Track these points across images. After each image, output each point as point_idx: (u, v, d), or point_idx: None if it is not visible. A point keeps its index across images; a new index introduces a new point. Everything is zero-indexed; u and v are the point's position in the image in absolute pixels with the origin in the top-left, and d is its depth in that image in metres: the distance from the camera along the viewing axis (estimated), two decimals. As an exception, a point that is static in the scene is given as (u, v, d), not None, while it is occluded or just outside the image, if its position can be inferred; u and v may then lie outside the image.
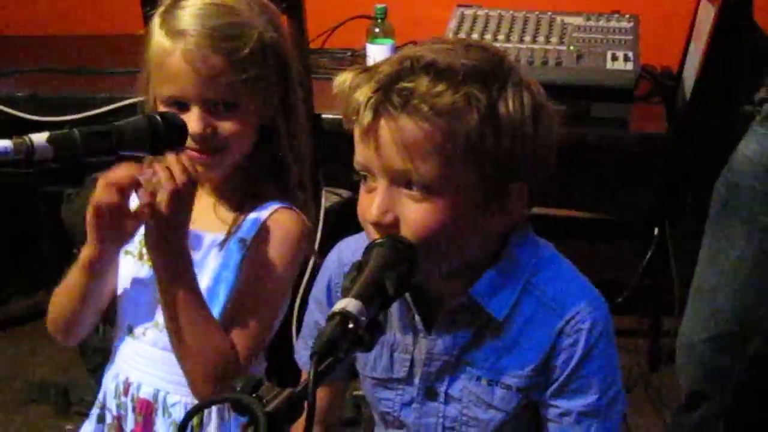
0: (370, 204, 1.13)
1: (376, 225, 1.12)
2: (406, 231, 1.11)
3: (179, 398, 1.41)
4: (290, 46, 1.43)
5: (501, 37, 2.44)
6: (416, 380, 1.28)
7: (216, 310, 1.37)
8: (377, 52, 2.50)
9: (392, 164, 1.10)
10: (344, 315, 0.92)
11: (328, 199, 2.50)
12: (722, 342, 1.91)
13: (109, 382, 1.47)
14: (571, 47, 2.39)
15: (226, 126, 1.35)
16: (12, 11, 3.23)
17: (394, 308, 1.26)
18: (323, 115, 2.35)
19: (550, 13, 2.54)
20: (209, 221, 1.42)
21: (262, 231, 1.39)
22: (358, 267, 1.03)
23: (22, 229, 3.03)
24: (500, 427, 1.24)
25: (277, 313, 1.43)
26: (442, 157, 1.09)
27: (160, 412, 1.42)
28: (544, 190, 1.22)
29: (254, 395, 0.79)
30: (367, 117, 1.09)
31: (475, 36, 2.45)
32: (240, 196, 1.42)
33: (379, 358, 1.30)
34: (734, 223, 1.86)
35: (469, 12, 2.56)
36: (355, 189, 1.19)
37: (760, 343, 1.89)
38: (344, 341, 0.91)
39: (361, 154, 1.13)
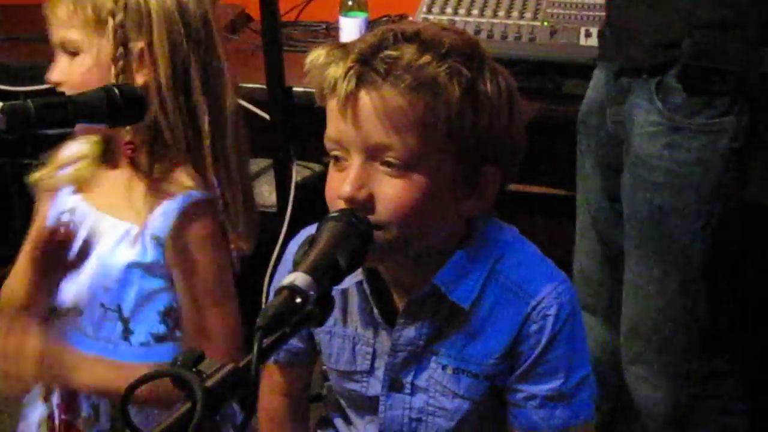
0: (341, 183, 1.10)
1: (350, 201, 1.09)
2: (381, 208, 1.09)
3: None
4: (196, 12, 1.37)
5: (475, 11, 2.42)
6: (379, 372, 1.26)
7: (131, 295, 1.39)
8: (351, 25, 2.47)
9: (371, 137, 1.08)
10: (292, 289, 0.90)
11: (299, 173, 2.49)
12: None
13: None
14: (545, 23, 2.37)
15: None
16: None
17: (355, 301, 1.25)
18: (294, 88, 2.33)
19: (525, -13, 2.52)
20: (121, 207, 1.39)
21: (179, 232, 1.36)
22: (311, 241, 1.02)
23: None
24: (466, 415, 1.24)
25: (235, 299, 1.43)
26: (422, 131, 1.08)
27: (83, 395, 1.43)
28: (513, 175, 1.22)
29: (194, 370, 0.77)
30: (347, 87, 1.07)
31: (448, 10, 2.42)
32: (151, 180, 1.38)
33: (341, 351, 1.28)
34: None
35: (443, -15, 2.53)
36: (327, 163, 1.17)
37: None
38: (291, 316, 0.89)
39: (336, 129, 1.11)
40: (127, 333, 1.41)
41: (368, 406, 1.30)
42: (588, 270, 2.01)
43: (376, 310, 1.23)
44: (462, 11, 2.42)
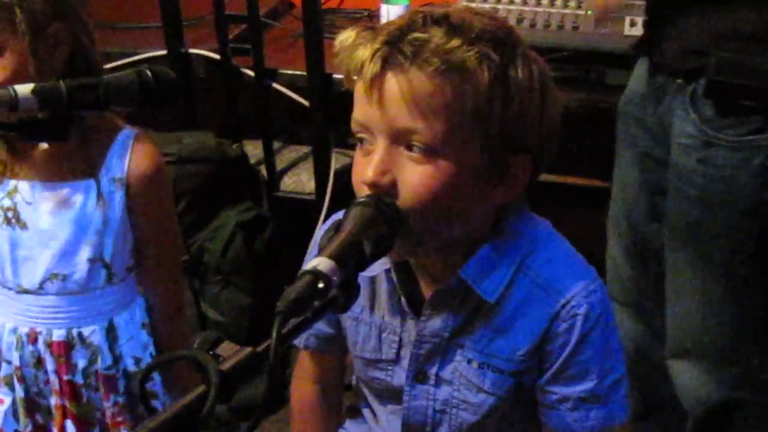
0: (366, 167, 1.07)
1: (373, 187, 1.06)
2: (405, 194, 1.07)
3: (94, 327, 1.53)
4: None
5: (518, 0, 2.39)
6: (405, 362, 1.24)
7: (110, 241, 1.49)
8: (392, 13, 2.45)
9: (396, 121, 1.05)
10: (315, 274, 0.88)
11: (338, 160, 2.48)
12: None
13: (6, 337, 1.55)
14: (589, 12, 2.34)
15: None
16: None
17: (383, 289, 1.23)
18: (334, 76, 2.32)
19: (570, -24, 2.48)
20: (67, 170, 1.47)
21: (134, 169, 1.48)
22: (337, 226, 1.00)
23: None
24: (491, 410, 1.21)
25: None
26: (449, 116, 1.05)
27: (78, 345, 1.53)
28: (550, 163, 1.18)
29: (211, 353, 0.76)
30: (373, 69, 1.04)
31: (491, -1, 2.40)
32: (86, 132, 1.45)
33: (367, 339, 1.27)
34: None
35: (487, -27, 2.51)
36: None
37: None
38: (313, 301, 0.87)
39: (362, 112, 1.08)
40: (110, 276, 1.52)
41: (392, 395, 1.28)
42: (620, 263, 1.97)
43: (403, 299, 1.21)
44: (505, 0, 2.39)
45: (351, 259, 0.95)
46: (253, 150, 2.59)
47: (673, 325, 1.77)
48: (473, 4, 2.37)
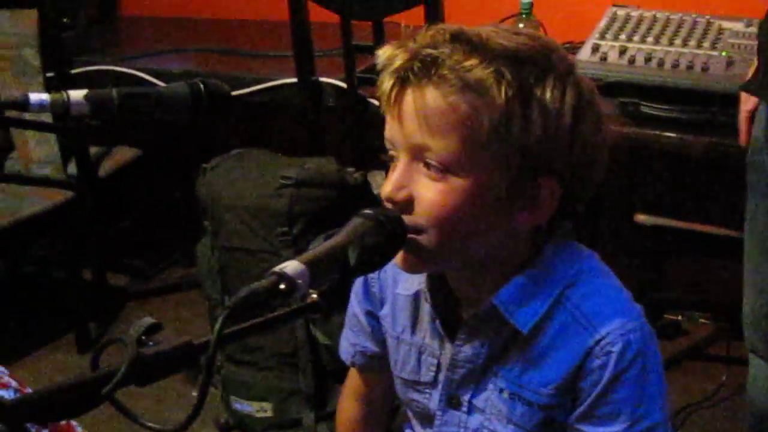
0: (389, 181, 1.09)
1: (390, 201, 1.07)
2: (419, 211, 1.07)
3: None
4: None
5: (650, 39, 2.32)
6: (441, 386, 1.23)
7: None
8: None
9: (412, 137, 1.06)
10: (279, 275, 0.89)
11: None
12: None
13: None
14: (723, 53, 2.23)
15: None
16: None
17: (425, 311, 1.22)
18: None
19: (708, 17, 2.38)
20: None
21: None
22: (329, 235, 1.01)
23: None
24: None
25: None
26: (463, 134, 1.04)
27: None
28: (587, 191, 1.15)
29: (143, 338, 0.78)
30: (392, 85, 1.06)
31: (622, 36, 2.33)
32: None
33: (407, 359, 1.26)
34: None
35: (622, 12, 2.44)
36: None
37: None
38: (271, 301, 0.87)
39: (388, 128, 1.10)
40: None
41: (429, 418, 1.26)
42: (757, 312, 1.87)
43: (438, 321, 1.20)
44: (636, 38, 2.32)
45: (330, 266, 0.95)
46: (381, 179, 2.63)
47: None
48: (603, 42, 2.33)
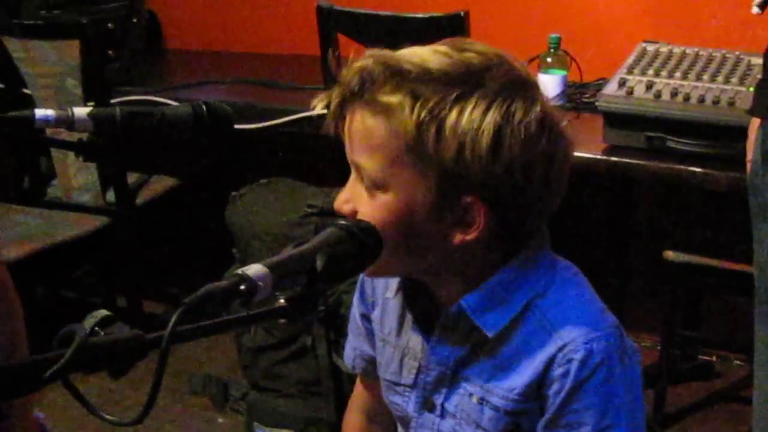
0: None
1: (339, 213, 1.14)
2: None
3: None
4: None
5: (678, 74, 2.31)
6: (417, 389, 1.25)
7: None
8: (549, 83, 2.45)
9: (350, 155, 1.13)
10: (240, 277, 0.91)
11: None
12: None
13: None
14: (751, 88, 2.21)
15: None
16: (218, 31, 3.54)
17: (411, 314, 1.24)
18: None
19: (737, 53, 2.37)
20: None
21: None
22: (300, 243, 1.03)
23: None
24: None
25: None
26: (385, 153, 1.09)
27: None
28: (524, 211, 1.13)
29: (95, 328, 0.80)
30: (334, 106, 1.12)
31: (650, 71, 2.33)
32: None
33: (390, 361, 1.28)
34: None
35: (651, 48, 2.45)
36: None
37: None
38: (230, 301, 0.89)
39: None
40: None
41: (408, 421, 1.28)
42: None
43: (409, 316, 1.23)
44: (664, 73, 2.32)
45: (295, 271, 0.97)
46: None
47: None
48: (630, 77, 2.33)
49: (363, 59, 1.12)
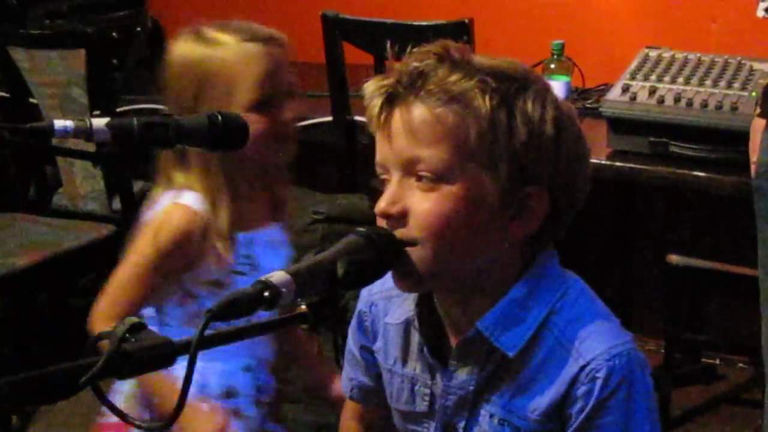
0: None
1: (384, 216, 1.11)
2: (414, 222, 1.10)
3: None
4: None
5: (680, 79, 2.34)
6: (437, 416, 1.24)
7: None
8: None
9: (403, 152, 1.10)
10: (264, 283, 0.93)
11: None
12: None
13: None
14: (753, 93, 2.24)
15: None
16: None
17: (415, 340, 1.24)
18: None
19: (740, 58, 2.40)
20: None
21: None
22: (321, 250, 1.05)
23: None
24: None
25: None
26: (452, 143, 1.08)
27: None
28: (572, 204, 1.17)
29: (126, 335, 0.82)
30: (381, 106, 1.10)
31: (652, 77, 2.36)
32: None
33: (400, 391, 1.27)
34: None
35: (653, 54, 2.47)
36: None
37: None
38: (255, 308, 0.91)
39: (379, 152, 1.14)
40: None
41: None
42: None
43: (426, 349, 1.21)
44: (667, 79, 2.34)
45: (316, 278, 0.98)
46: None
47: None
48: (634, 82, 2.35)
49: (418, 53, 1.12)
